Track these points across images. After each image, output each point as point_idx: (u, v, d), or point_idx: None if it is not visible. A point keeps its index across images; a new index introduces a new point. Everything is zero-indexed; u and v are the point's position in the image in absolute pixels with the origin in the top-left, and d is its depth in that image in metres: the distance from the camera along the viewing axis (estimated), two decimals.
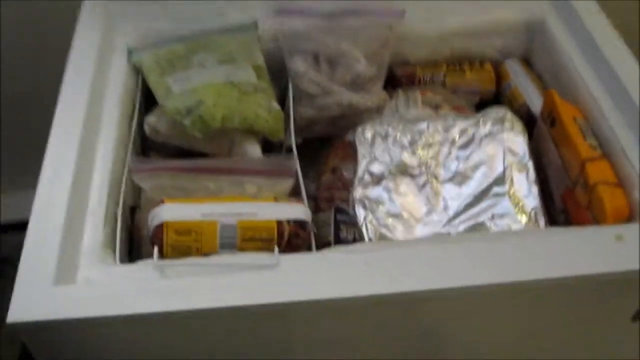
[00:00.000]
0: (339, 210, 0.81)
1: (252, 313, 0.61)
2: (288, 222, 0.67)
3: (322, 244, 0.74)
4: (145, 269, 0.64)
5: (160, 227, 0.65)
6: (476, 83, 0.93)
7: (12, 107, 1.16)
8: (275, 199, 0.70)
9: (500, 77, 0.95)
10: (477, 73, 0.94)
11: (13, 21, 1.03)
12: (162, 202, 0.67)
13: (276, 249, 0.66)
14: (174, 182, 0.71)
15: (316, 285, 0.61)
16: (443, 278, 0.62)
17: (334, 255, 0.67)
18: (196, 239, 0.65)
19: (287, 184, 0.73)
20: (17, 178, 1.24)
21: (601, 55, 0.85)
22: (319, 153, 0.90)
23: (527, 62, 0.96)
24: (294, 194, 0.75)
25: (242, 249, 0.66)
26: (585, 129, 0.79)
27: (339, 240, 0.79)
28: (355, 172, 0.80)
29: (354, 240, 0.78)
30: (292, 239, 0.67)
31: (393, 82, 0.93)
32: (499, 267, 0.64)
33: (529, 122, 0.87)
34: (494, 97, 0.96)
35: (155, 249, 0.65)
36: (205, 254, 0.65)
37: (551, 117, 0.82)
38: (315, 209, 0.83)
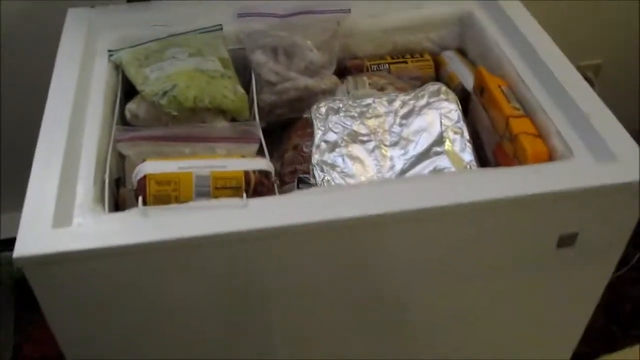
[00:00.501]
0: (300, 180, 0.92)
1: (224, 241, 0.71)
2: (254, 172, 0.78)
3: None
4: (130, 215, 0.74)
5: (143, 179, 0.75)
6: (417, 70, 1.06)
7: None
8: (242, 156, 0.80)
9: (438, 65, 1.08)
10: (418, 62, 1.07)
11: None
12: (144, 160, 0.77)
13: (244, 194, 0.76)
14: (153, 148, 0.81)
15: (278, 216, 0.72)
16: (383, 205, 0.73)
17: (294, 196, 0.77)
18: (175, 188, 0.75)
19: (252, 147, 0.84)
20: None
21: (522, 37, 0.98)
22: (282, 137, 1.01)
23: (462, 52, 1.10)
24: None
25: (215, 197, 0.76)
26: (509, 94, 0.92)
27: None
28: (313, 140, 0.91)
29: None
30: (257, 187, 0.77)
31: (344, 73, 1.05)
32: (433, 194, 0.75)
33: (464, 99, 0.99)
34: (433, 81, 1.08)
35: (140, 199, 0.75)
36: (183, 202, 0.75)
37: (480, 88, 0.94)
38: (281, 183, 0.94)
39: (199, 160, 0.78)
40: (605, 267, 0.87)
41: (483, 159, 0.93)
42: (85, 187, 0.77)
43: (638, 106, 1.63)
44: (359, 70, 1.05)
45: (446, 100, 0.93)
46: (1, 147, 1.31)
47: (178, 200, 0.76)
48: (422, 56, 1.08)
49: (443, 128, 0.91)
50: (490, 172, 0.83)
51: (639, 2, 1.46)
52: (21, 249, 0.68)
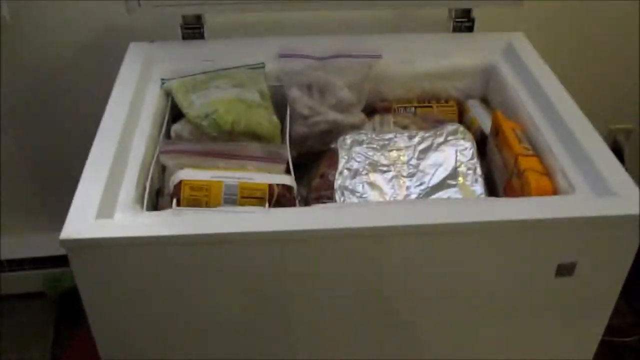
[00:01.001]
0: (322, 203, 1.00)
1: (245, 240, 0.79)
2: (277, 185, 0.86)
3: None
4: (165, 214, 0.83)
5: (179, 184, 0.85)
6: (441, 115, 1.14)
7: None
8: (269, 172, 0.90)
9: (462, 111, 1.16)
10: (443, 107, 1.15)
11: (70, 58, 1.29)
12: (182, 168, 0.87)
13: (267, 204, 0.85)
14: (191, 161, 0.91)
15: (295, 222, 0.80)
16: (390, 219, 0.81)
17: (313, 208, 0.86)
18: (206, 194, 0.85)
19: (280, 167, 0.93)
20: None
21: (539, 88, 1.06)
22: (311, 167, 1.10)
23: (485, 102, 1.18)
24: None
25: (241, 204, 0.85)
26: (521, 136, 0.99)
27: None
28: (337, 168, 1.00)
29: None
30: (280, 199, 0.86)
31: (374, 114, 1.14)
32: (439, 214, 0.82)
33: (483, 142, 1.07)
34: None
35: (174, 200, 0.84)
36: (212, 207, 0.84)
37: (495, 130, 1.02)
38: None
39: (230, 172, 0.88)
40: (604, 300, 0.91)
41: (494, 195, 0.99)
42: (128, 189, 0.87)
43: None
44: (387, 111, 1.14)
45: (463, 139, 1.01)
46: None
47: (208, 205, 0.85)
48: (447, 102, 1.16)
49: (457, 164, 0.98)
50: (497, 201, 0.89)
51: None
52: (67, 233, 0.77)
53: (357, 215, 0.82)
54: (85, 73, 1.29)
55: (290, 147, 1.01)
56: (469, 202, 0.90)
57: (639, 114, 1.60)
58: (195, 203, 0.85)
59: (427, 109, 1.15)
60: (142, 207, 0.86)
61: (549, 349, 0.97)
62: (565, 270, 0.87)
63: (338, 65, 1.11)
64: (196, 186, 0.85)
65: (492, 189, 1.00)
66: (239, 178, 0.86)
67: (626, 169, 0.90)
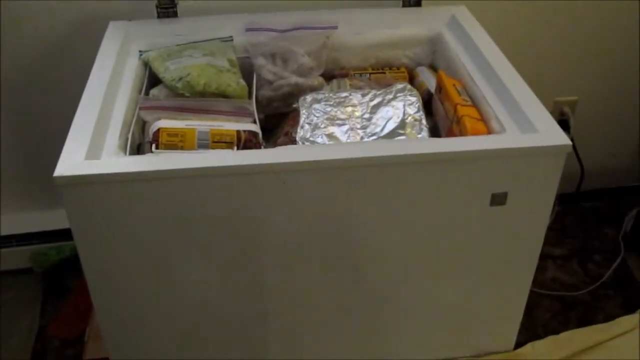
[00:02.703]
0: None
1: (216, 174, 0.91)
2: (244, 131, 0.98)
3: None
4: (145, 156, 0.95)
5: (157, 132, 0.96)
6: (393, 80, 1.27)
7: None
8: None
9: (412, 77, 1.29)
10: (395, 73, 1.28)
11: (53, 42, 1.39)
12: (159, 119, 0.99)
13: (235, 147, 0.96)
14: (168, 115, 1.02)
15: (262, 158, 0.92)
16: (352, 152, 0.93)
17: (278, 149, 0.98)
18: (181, 140, 0.96)
19: (247, 120, 1.05)
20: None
21: (477, 50, 1.19)
22: (276, 127, 1.22)
23: (434, 69, 1.31)
24: None
25: (212, 148, 0.97)
26: (461, 91, 1.12)
27: None
28: (299, 122, 1.12)
29: None
30: (247, 143, 0.98)
31: (332, 79, 1.27)
32: (386, 149, 0.95)
33: (429, 101, 1.19)
34: None
35: (153, 145, 0.95)
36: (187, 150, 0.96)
37: (439, 87, 1.15)
38: None
39: (202, 122, 0.99)
40: (535, 228, 1.04)
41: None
42: (112, 139, 0.98)
43: (610, 142, 1.80)
44: (344, 77, 1.27)
45: (410, 94, 1.14)
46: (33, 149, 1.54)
47: (183, 149, 0.96)
48: (398, 69, 1.29)
49: (405, 116, 1.11)
50: (436, 140, 1.02)
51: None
52: (60, 171, 0.88)
53: (317, 152, 0.94)
54: (69, 56, 1.39)
55: (257, 109, 1.13)
56: (413, 141, 1.02)
57: (583, 86, 1.72)
58: (171, 147, 0.96)
59: (381, 74, 1.28)
60: (125, 153, 0.97)
61: (486, 283, 1.10)
62: (498, 199, 1.00)
63: (299, 36, 1.23)
64: (172, 132, 0.96)
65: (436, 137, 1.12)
66: (210, 126, 0.97)
67: (571, 139, 1.03)
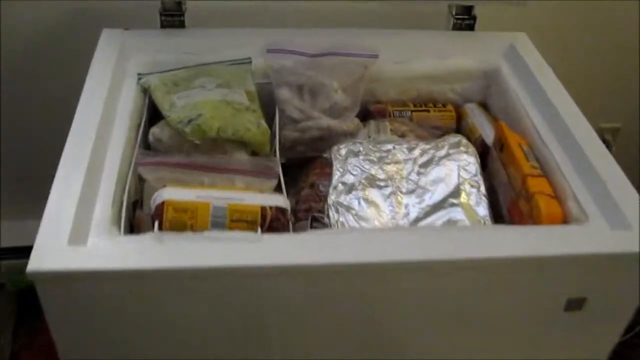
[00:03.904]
0: (314, 219, 0.92)
1: (235, 274, 0.72)
2: (270, 207, 0.78)
3: None
4: (145, 239, 0.74)
5: (161, 205, 0.76)
6: (439, 120, 1.07)
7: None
8: (261, 192, 0.81)
9: (460, 117, 1.09)
10: (440, 112, 1.08)
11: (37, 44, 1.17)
12: (165, 186, 0.78)
13: (259, 229, 0.77)
14: (173, 175, 0.82)
15: (291, 253, 0.73)
16: (392, 253, 0.74)
17: (308, 235, 0.78)
18: (191, 216, 0.76)
19: (271, 183, 0.85)
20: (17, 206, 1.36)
21: (544, 96, 0.99)
22: (300, 174, 1.02)
23: (485, 106, 1.11)
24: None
25: (230, 228, 0.77)
26: (529, 153, 0.92)
27: None
28: (331, 181, 0.92)
29: None
30: (273, 223, 0.78)
31: (366, 117, 1.06)
32: (444, 247, 0.75)
33: (484, 152, 1.00)
34: (454, 132, 1.09)
35: (156, 224, 0.75)
36: (199, 231, 0.76)
37: (500, 144, 0.95)
38: (295, 220, 0.95)
39: (217, 191, 0.79)
40: (611, 333, 0.87)
41: (498, 214, 0.93)
42: (103, 207, 0.78)
43: None
44: (382, 114, 1.07)
45: (466, 152, 0.94)
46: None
47: (193, 228, 0.76)
48: (444, 106, 1.09)
49: (460, 180, 0.92)
50: (503, 229, 0.83)
51: None
52: (35, 264, 0.69)
53: (358, 247, 0.75)
54: (55, 60, 1.17)
55: (278, 151, 0.93)
56: (474, 232, 0.83)
57: (627, 113, 1.57)
58: (179, 226, 0.76)
59: (424, 113, 1.08)
60: (119, 228, 0.77)
61: None
62: (574, 305, 0.82)
63: (331, 63, 1.02)
64: (180, 207, 0.76)
65: (494, 202, 0.93)
66: (228, 199, 0.77)
67: None
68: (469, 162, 0.93)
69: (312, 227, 0.92)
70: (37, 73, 1.20)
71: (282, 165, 0.92)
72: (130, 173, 0.85)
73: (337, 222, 0.88)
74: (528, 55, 1.08)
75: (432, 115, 1.07)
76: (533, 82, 1.03)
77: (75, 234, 0.72)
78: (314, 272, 0.73)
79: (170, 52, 1.02)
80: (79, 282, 0.70)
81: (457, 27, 1.14)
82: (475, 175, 0.92)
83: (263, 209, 0.78)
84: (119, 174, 0.83)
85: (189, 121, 0.89)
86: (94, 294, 0.72)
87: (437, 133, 1.07)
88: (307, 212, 0.94)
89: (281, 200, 0.80)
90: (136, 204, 0.87)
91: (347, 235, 0.79)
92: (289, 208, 0.81)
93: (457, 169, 0.93)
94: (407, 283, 0.77)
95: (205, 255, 0.72)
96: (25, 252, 1.39)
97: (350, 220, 0.88)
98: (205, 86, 0.95)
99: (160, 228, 0.76)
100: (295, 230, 0.88)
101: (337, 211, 0.89)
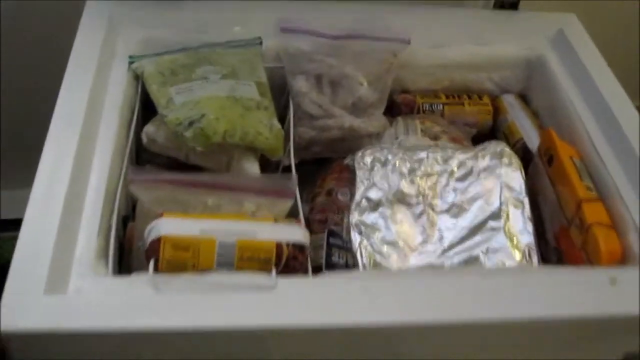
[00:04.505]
0: (332, 234, 0.81)
1: (248, 335, 0.60)
2: (287, 244, 0.66)
3: (312, 267, 0.73)
4: (139, 283, 0.62)
5: (157, 241, 0.63)
6: (474, 115, 0.94)
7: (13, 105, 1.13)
8: (275, 220, 0.69)
9: (496, 110, 0.96)
10: (475, 106, 0.94)
11: (13, 18, 1.01)
12: (161, 215, 0.65)
13: (274, 270, 0.65)
14: (172, 194, 0.69)
15: (313, 311, 0.61)
16: (436, 312, 0.62)
17: (332, 280, 0.66)
18: (193, 255, 0.64)
19: (286, 204, 0.72)
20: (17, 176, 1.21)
21: (599, 97, 0.86)
22: (314, 174, 0.89)
23: (523, 98, 0.97)
24: (291, 214, 0.74)
25: (239, 268, 0.65)
26: (582, 169, 0.80)
27: (330, 264, 0.78)
28: (351, 196, 0.80)
29: (346, 265, 0.78)
30: (289, 262, 0.66)
31: (392, 109, 0.93)
32: (491, 304, 0.64)
33: (525, 158, 0.88)
34: (490, 129, 0.96)
35: (151, 263, 0.63)
36: (202, 271, 0.64)
37: (548, 155, 0.82)
38: (309, 230, 0.83)
39: (225, 222, 0.66)
40: None
41: (541, 234, 0.81)
42: (87, 237, 0.65)
43: None
44: (410, 107, 0.93)
45: (509, 165, 0.82)
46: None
47: (196, 268, 0.64)
48: (480, 98, 0.96)
49: (503, 199, 0.79)
50: (557, 275, 0.71)
51: None
52: (6, 321, 0.56)
53: (386, 302, 0.63)
54: (27, 44, 1.01)
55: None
56: (519, 280, 0.70)
57: None
58: (179, 266, 0.64)
59: (458, 106, 0.94)
60: (106, 263, 0.65)
61: None
62: (632, 358, 0.71)
63: (355, 49, 0.88)
64: (181, 245, 0.64)
65: (537, 222, 0.81)
66: (237, 234, 0.65)
67: None
68: (513, 177, 0.81)
69: (328, 242, 0.80)
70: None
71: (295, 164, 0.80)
72: (120, 186, 0.72)
73: (359, 246, 0.76)
74: (579, 43, 0.94)
75: (467, 110, 0.94)
76: (585, 77, 0.90)
77: (53, 278, 0.60)
78: (335, 334, 0.61)
79: (166, 27, 0.87)
80: (57, 342, 0.58)
81: (499, 5, 0.99)
82: (520, 193, 0.80)
83: (278, 246, 0.66)
84: (107, 190, 0.70)
85: (190, 123, 0.75)
86: (74, 353, 0.60)
87: (472, 131, 0.94)
88: (323, 223, 0.83)
89: (299, 234, 0.67)
90: (127, 219, 0.75)
91: (375, 281, 0.67)
92: (308, 243, 0.68)
93: (499, 185, 0.80)
94: (445, 345, 0.65)
95: (210, 312, 0.60)
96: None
97: (375, 243, 0.77)
98: (209, 77, 0.81)
99: (156, 267, 0.64)
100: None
101: (360, 232, 0.77)
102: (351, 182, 0.82)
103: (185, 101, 0.77)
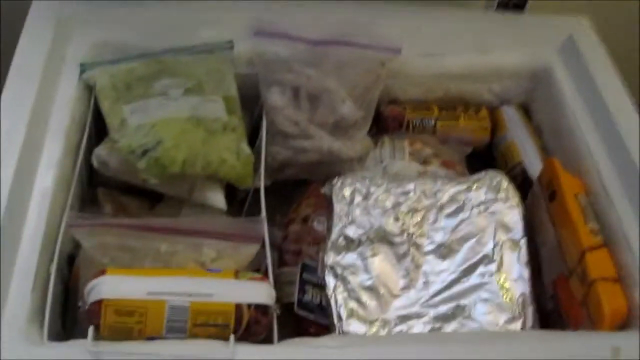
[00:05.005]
0: (305, 268, 0.73)
1: None
2: (248, 306, 0.58)
3: (283, 304, 0.65)
4: (77, 353, 0.54)
5: (98, 304, 0.55)
6: (469, 132, 0.85)
7: None
8: (236, 273, 0.60)
9: (495, 125, 0.86)
10: (471, 121, 0.85)
11: None
12: (103, 272, 0.57)
13: (232, 337, 0.57)
14: (119, 240, 0.60)
15: None
16: None
17: (298, 349, 0.58)
18: (139, 320, 0.56)
19: (251, 250, 0.64)
20: None
21: (609, 120, 0.77)
22: (290, 193, 0.81)
23: (525, 109, 0.88)
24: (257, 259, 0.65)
25: (192, 335, 0.57)
26: (587, 207, 0.71)
27: (302, 303, 0.71)
28: (329, 229, 0.71)
29: (320, 307, 0.70)
30: (251, 326, 0.58)
31: (379, 123, 0.83)
32: None
33: (524, 184, 0.79)
34: (487, 146, 0.87)
35: (91, 329, 0.55)
36: (149, 337, 0.56)
37: (551, 190, 0.74)
38: (279, 262, 0.75)
39: (177, 279, 0.58)
40: None
41: (537, 272, 0.73)
42: (20, 289, 0.57)
43: None
44: (398, 121, 0.84)
45: (505, 201, 0.73)
46: None
47: (142, 334, 0.56)
48: (476, 111, 0.86)
49: (497, 241, 0.71)
50: (549, 342, 0.63)
51: None
52: None
53: None
54: None
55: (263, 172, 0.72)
56: (527, 350, 0.62)
57: None
58: (123, 332, 0.56)
59: (451, 122, 0.85)
60: (41, 325, 0.57)
61: None
62: None
63: (339, 58, 0.78)
64: (124, 309, 0.55)
65: (533, 257, 0.73)
66: (191, 295, 0.56)
67: None
68: (511, 215, 0.72)
69: (301, 278, 0.72)
70: None
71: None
72: (64, 223, 0.63)
73: (334, 292, 0.68)
74: (589, 53, 0.84)
75: (462, 126, 0.85)
76: (595, 95, 0.80)
77: None
78: None
79: (125, 30, 0.77)
80: None
81: (503, 5, 0.88)
82: (517, 234, 0.72)
83: (238, 308, 0.57)
84: (46, 231, 0.61)
85: (144, 152, 0.66)
86: None
87: (467, 150, 0.85)
88: (296, 255, 0.75)
89: (264, 293, 0.59)
90: (72, 259, 0.66)
91: (350, 350, 0.59)
92: (273, 301, 0.60)
93: (494, 224, 0.72)
94: None
95: None
96: None
97: (353, 292, 0.68)
98: (169, 93, 0.71)
99: (98, 333, 0.55)
100: (279, 276, 0.70)
101: (335, 275, 0.69)
102: (328, 210, 0.74)
103: (140, 124, 0.68)
